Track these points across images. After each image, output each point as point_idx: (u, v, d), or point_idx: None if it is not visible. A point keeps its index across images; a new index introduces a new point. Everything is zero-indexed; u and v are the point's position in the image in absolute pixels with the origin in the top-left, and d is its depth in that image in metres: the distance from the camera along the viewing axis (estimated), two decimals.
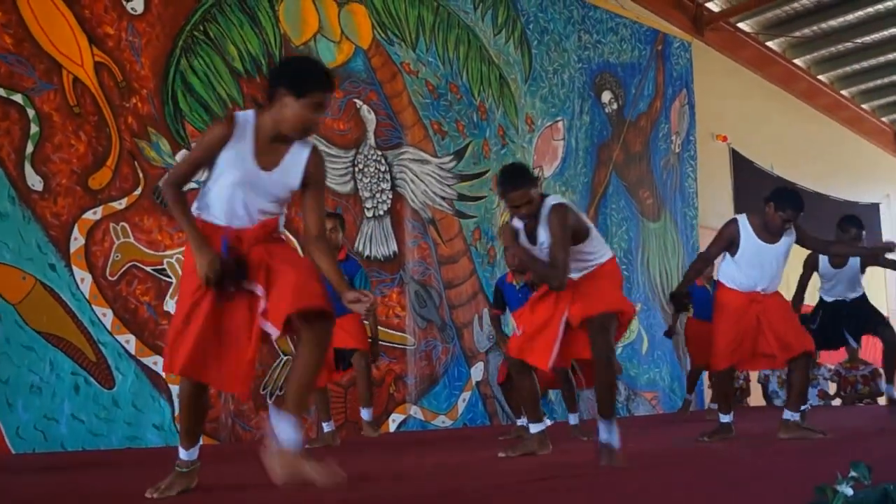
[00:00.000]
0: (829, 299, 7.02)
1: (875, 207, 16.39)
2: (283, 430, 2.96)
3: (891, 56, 14.73)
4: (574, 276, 4.40)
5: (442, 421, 7.82)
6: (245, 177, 3.09)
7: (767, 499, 2.96)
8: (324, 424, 5.96)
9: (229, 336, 3.07)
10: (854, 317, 6.93)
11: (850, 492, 2.49)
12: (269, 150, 3.13)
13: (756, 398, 11.37)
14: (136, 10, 6.45)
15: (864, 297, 7.00)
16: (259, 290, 3.06)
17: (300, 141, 3.20)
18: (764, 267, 5.37)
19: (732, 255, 5.44)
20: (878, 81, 15.91)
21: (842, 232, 6.71)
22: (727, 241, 5.45)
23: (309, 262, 3.24)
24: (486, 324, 8.37)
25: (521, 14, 9.37)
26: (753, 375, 11.24)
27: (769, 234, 5.36)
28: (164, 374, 6.10)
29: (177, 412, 6.14)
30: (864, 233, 6.75)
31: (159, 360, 6.12)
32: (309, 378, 3.07)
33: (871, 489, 2.56)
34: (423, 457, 4.97)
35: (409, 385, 7.71)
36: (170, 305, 6.26)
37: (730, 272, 5.47)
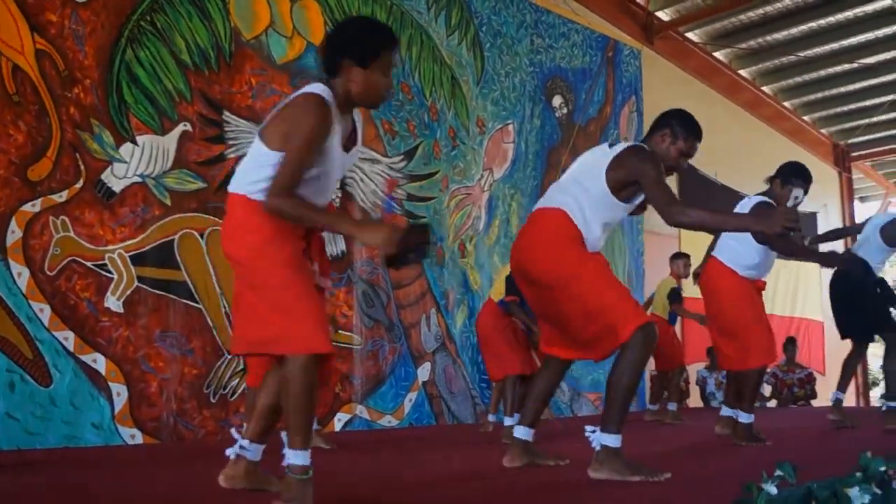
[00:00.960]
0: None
1: (813, 217, 16.69)
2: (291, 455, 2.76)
3: (832, 70, 15.08)
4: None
5: (388, 421, 7.75)
6: (332, 164, 2.86)
7: (695, 496, 2.97)
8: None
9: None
10: None
11: (774, 490, 2.53)
12: (345, 128, 2.94)
13: (694, 399, 11.54)
14: None
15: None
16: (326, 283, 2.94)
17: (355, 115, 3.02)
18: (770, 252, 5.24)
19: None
20: (819, 94, 16.28)
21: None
22: None
23: None
24: (434, 324, 8.33)
25: (474, 16, 9.35)
26: (692, 378, 11.38)
27: None
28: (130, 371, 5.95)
29: (117, 411, 6.00)
30: None
31: (99, 357, 5.97)
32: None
33: (795, 488, 2.59)
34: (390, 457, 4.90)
35: (356, 385, 7.63)
36: (110, 302, 6.11)
37: (742, 255, 5.26)
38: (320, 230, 2.91)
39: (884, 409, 6.22)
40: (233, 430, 3.21)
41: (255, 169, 2.82)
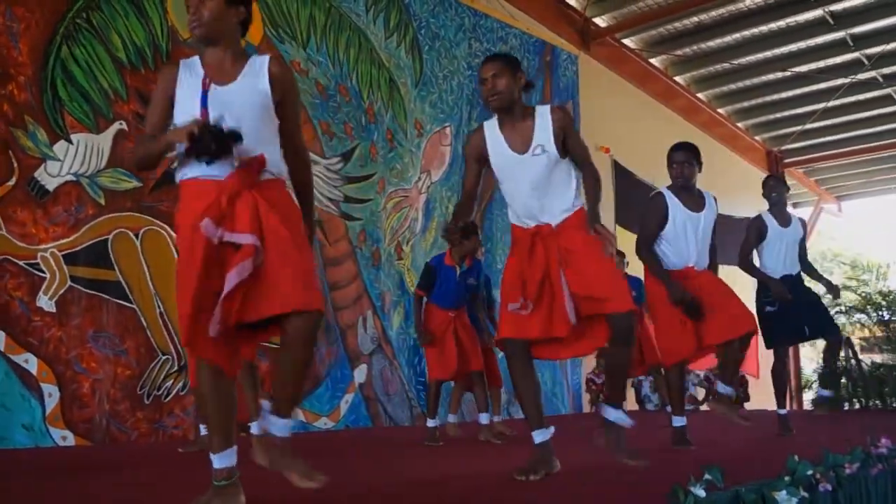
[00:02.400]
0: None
1: (747, 222, 16.95)
2: (276, 424, 2.84)
3: (764, 77, 15.39)
4: (552, 219, 3.86)
5: (324, 423, 7.75)
6: (216, 96, 2.84)
7: (623, 500, 3.02)
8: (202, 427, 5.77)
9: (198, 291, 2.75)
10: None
11: (702, 493, 2.58)
12: (219, 69, 2.94)
13: (629, 401, 11.65)
14: None
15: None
16: (248, 238, 2.72)
17: (256, 55, 3.02)
18: (693, 239, 5.14)
19: (662, 228, 5.15)
20: (753, 101, 16.62)
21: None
22: (658, 212, 5.15)
23: (303, 241, 2.93)
24: (371, 326, 8.36)
25: (413, 19, 9.39)
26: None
27: (690, 199, 5.21)
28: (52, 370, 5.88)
29: (48, 412, 5.93)
30: None
31: (31, 357, 5.90)
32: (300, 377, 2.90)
33: (723, 491, 2.64)
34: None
35: None
36: (43, 301, 6.04)
37: (662, 249, 5.19)
38: (164, 154, 2.93)
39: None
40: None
41: None
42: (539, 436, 3.76)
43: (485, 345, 6.59)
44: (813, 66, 14.68)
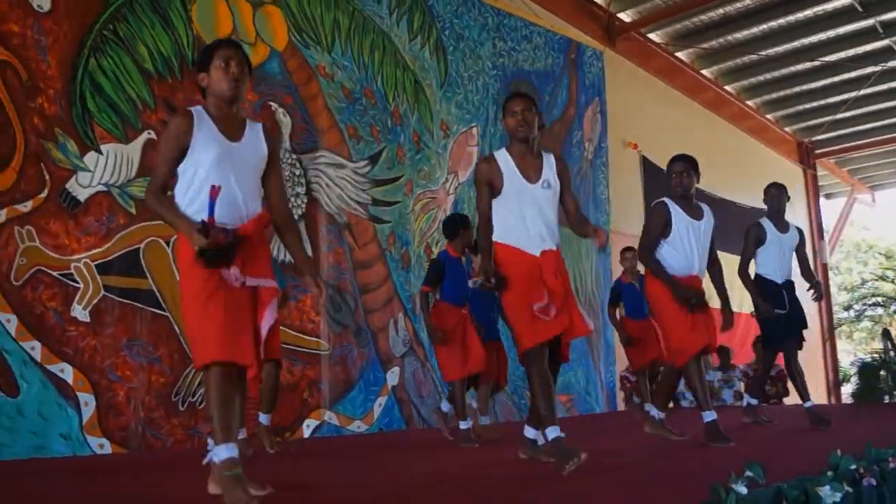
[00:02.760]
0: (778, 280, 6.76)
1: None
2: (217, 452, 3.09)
3: (794, 68, 15.23)
4: (546, 246, 4.31)
5: (357, 426, 7.76)
6: (220, 150, 3.22)
7: (663, 497, 3.00)
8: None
9: (244, 319, 3.15)
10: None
11: (744, 490, 2.54)
12: (228, 127, 3.30)
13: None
14: (42, 8, 6.27)
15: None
16: (267, 282, 3.22)
17: (251, 120, 3.42)
18: (695, 245, 5.31)
19: (666, 236, 5.34)
20: (782, 93, 16.45)
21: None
22: (662, 219, 5.33)
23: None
24: (402, 328, 8.37)
25: (436, 20, 9.39)
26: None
27: (690, 208, 5.37)
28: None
29: (85, 420, 5.99)
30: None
31: (66, 367, 5.96)
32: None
33: (765, 488, 2.61)
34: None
35: (324, 390, 7.64)
36: (77, 311, 6.10)
37: (664, 257, 5.34)
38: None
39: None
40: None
41: None
42: (553, 432, 4.01)
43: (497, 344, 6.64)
44: (843, 54, 14.50)
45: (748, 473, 2.71)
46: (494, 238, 4.30)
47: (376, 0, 8.72)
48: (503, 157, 4.32)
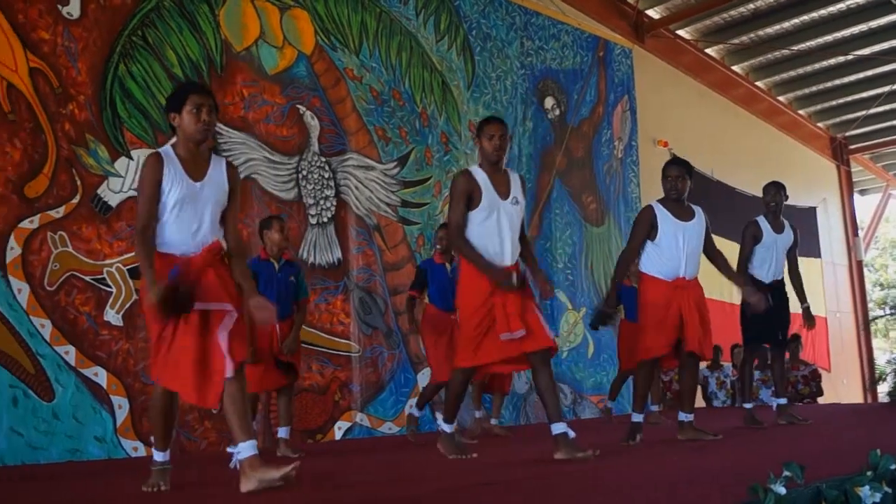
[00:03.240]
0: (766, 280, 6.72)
1: (812, 211, 16.68)
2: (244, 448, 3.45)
3: (825, 63, 15.08)
4: (512, 261, 4.57)
5: (389, 427, 7.77)
6: (186, 191, 3.51)
7: (702, 497, 2.97)
8: None
9: (200, 355, 3.42)
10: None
11: (782, 490, 2.51)
12: (194, 166, 3.57)
13: (697, 399, 11.53)
14: (72, 15, 6.34)
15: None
16: (222, 306, 3.45)
17: (215, 156, 3.70)
18: (684, 246, 5.37)
19: (653, 239, 5.41)
20: (814, 88, 16.27)
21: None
22: (647, 224, 5.42)
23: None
24: None
25: (463, 20, 9.39)
26: None
27: (681, 211, 5.42)
28: (105, 386, 5.99)
29: (119, 424, 6.04)
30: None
31: (100, 371, 6.02)
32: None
33: (804, 488, 2.57)
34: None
35: (355, 392, 7.66)
36: (110, 315, 6.16)
37: (652, 259, 5.44)
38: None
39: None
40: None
41: None
42: (559, 427, 4.40)
43: None
44: (876, 48, 14.32)
45: (786, 473, 2.66)
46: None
47: (402, 1, 8.73)
48: (479, 173, 4.56)
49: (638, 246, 5.47)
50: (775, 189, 6.79)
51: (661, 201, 5.48)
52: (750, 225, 6.73)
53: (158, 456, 3.67)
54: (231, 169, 3.71)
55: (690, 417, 5.48)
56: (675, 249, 5.35)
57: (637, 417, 5.46)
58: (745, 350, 6.90)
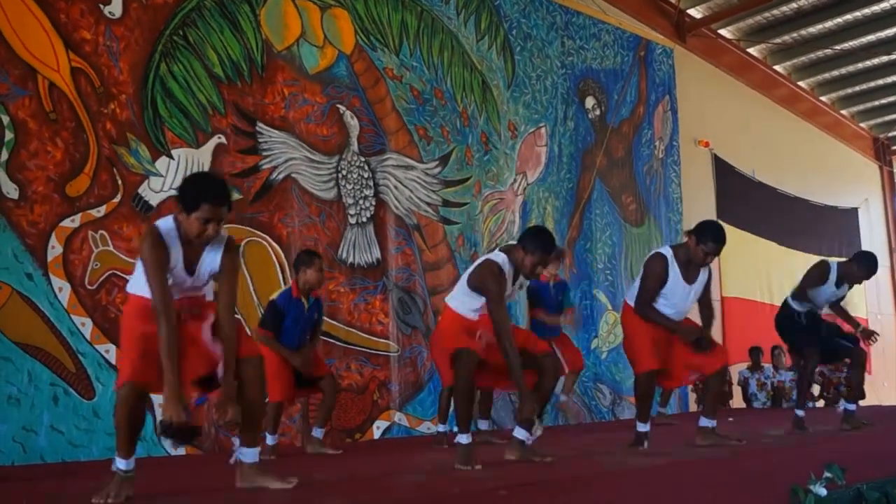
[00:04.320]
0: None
1: (854, 212, 16.49)
2: (245, 454, 3.67)
3: (869, 63, 14.89)
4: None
5: (427, 427, 7.72)
6: (176, 280, 3.48)
7: (744, 498, 2.94)
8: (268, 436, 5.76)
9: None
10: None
11: (823, 492, 2.50)
12: (190, 254, 3.50)
13: (737, 400, 11.44)
14: (113, 14, 6.36)
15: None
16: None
17: (215, 242, 3.55)
18: (680, 304, 5.31)
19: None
20: (857, 88, 16.08)
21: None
22: (659, 279, 5.28)
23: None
24: None
25: (504, 20, 9.33)
26: (734, 378, 11.29)
27: (691, 270, 5.28)
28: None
29: (158, 422, 6.04)
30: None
31: None
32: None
33: (844, 489, 2.56)
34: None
35: (393, 392, 7.63)
36: None
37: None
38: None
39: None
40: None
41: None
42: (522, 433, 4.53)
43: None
44: None
45: (827, 475, 2.64)
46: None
47: (444, 0, 8.69)
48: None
49: (652, 295, 5.29)
50: (866, 271, 6.58)
51: (675, 255, 5.30)
52: (821, 266, 6.60)
53: (121, 463, 3.46)
54: (228, 254, 3.59)
55: (713, 423, 5.36)
56: (678, 302, 5.30)
57: (642, 427, 5.34)
58: (806, 355, 6.62)
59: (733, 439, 5.35)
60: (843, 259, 6.78)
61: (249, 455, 3.63)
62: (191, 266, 3.51)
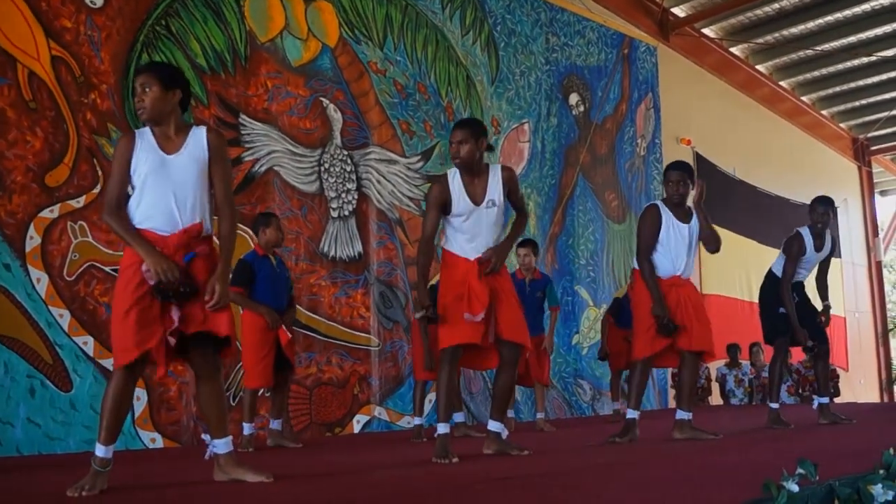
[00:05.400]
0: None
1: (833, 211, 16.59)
2: (217, 445, 3.54)
3: (849, 64, 15.00)
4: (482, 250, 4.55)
5: (407, 422, 7.71)
6: (156, 162, 3.40)
7: (716, 494, 2.96)
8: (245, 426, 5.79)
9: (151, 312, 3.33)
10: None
11: (795, 488, 2.51)
12: (166, 141, 3.46)
13: (715, 397, 11.51)
14: (95, 4, 6.30)
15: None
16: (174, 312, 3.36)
17: (196, 127, 3.57)
18: (676, 249, 5.40)
19: (656, 240, 5.43)
20: (837, 88, 16.20)
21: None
22: (654, 225, 5.40)
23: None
24: None
25: (488, 15, 9.32)
26: (713, 375, 11.37)
27: (680, 214, 5.43)
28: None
29: (137, 415, 6.01)
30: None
31: None
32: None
33: (817, 485, 2.57)
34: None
35: (374, 386, 7.61)
36: None
37: (654, 258, 5.44)
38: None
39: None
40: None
41: None
42: (496, 426, 4.59)
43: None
44: None
45: (800, 471, 2.65)
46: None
47: None
48: (455, 180, 4.53)
49: (650, 245, 5.41)
50: (825, 207, 6.59)
51: (664, 201, 5.48)
52: (795, 240, 6.51)
53: (101, 451, 3.33)
54: (212, 135, 3.55)
55: (689, 416, 5.40)
56: (675, 249, 5.39)
57: (632, 414, 5.40)
58: (776, 348, 6.65)
59: (709, 433, 5.38)
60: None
61: (222, 446, 3.53)
62: (170, 149, 3.45)
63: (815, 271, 6.75)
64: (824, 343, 6.68)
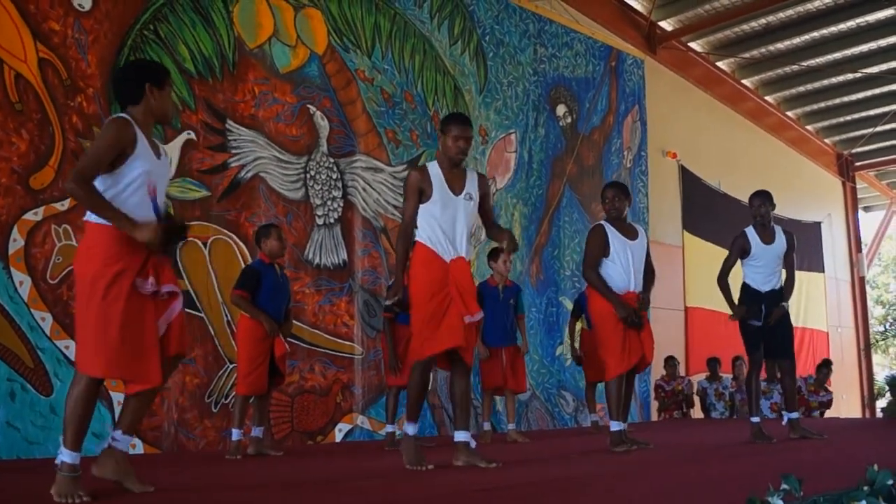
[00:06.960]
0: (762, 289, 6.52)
1: (817, 226, 16.67)
2: (122, 440, 3.53)
3: (834, 80, 15.06)
4: (461, 252, 4.61)
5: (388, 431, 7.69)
6: (151, 165, 3.37)
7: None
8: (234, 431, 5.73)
9: (146, 333, 3.32)
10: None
11: (780, 503, 2.51)
12: (151, 143, 3.45)
13: (696, 411, 11.50)
14: (83, 7, 6.29)
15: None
16: (168, 288, 3.39)
17: (157, 140, 3.57)
18: (626, 263, 5.56)
19: (606, 255, 5.58)
20: (823, 104, 16.27)
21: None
22: (600, 246, 5.56)
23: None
24: None
25: (477, 25, 9.34)
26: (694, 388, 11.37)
27: (625, 229, 5.63)
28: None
29: (117, 420, 5.96)
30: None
31: None
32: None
33: (801, 501, 2.57)
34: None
35: (356, 394, 7.60)
36: None
37: (607, 273, 5.59)
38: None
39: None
40: None
41: None
42: (463, 435, 4.51)
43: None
44: (884, 66, 14.30)
45: (785, 486, 2.65)
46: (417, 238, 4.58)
47: (417, 4, 8.68)
48: (434, 169, 4.59)
49: (596, 259, 5.60)
50: (760, 200, 6.59)
51: (608, 220, 5.67)
52: (738, 237, 6.54)
53: (67, 456, 3.23)
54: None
55: (623, 426, 5.55)
56: (624, 265, 5.56)
57: (616, 426, 5.49)
58: (750, 362, 6.56)
59: (643, 443, 5.62)
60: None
61: (123, 442, 3.53)
62: (156, 151, 3.46)
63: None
64: (790, 359, 6.65)
